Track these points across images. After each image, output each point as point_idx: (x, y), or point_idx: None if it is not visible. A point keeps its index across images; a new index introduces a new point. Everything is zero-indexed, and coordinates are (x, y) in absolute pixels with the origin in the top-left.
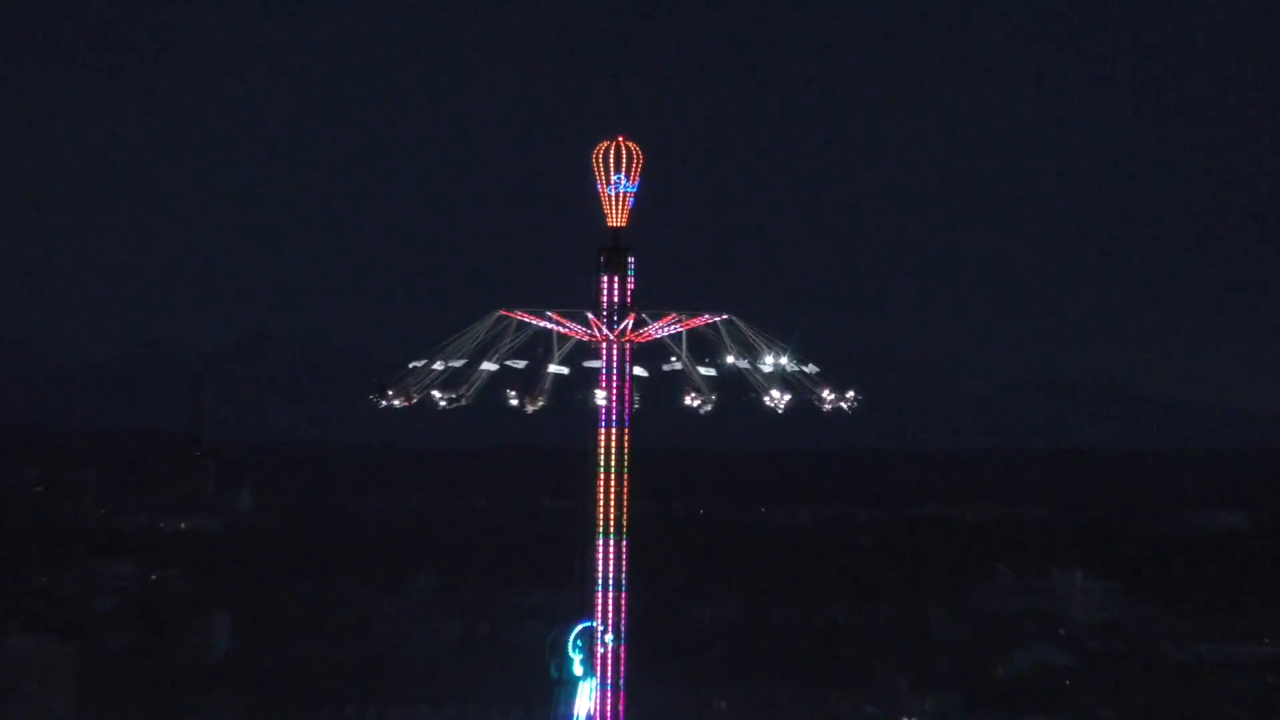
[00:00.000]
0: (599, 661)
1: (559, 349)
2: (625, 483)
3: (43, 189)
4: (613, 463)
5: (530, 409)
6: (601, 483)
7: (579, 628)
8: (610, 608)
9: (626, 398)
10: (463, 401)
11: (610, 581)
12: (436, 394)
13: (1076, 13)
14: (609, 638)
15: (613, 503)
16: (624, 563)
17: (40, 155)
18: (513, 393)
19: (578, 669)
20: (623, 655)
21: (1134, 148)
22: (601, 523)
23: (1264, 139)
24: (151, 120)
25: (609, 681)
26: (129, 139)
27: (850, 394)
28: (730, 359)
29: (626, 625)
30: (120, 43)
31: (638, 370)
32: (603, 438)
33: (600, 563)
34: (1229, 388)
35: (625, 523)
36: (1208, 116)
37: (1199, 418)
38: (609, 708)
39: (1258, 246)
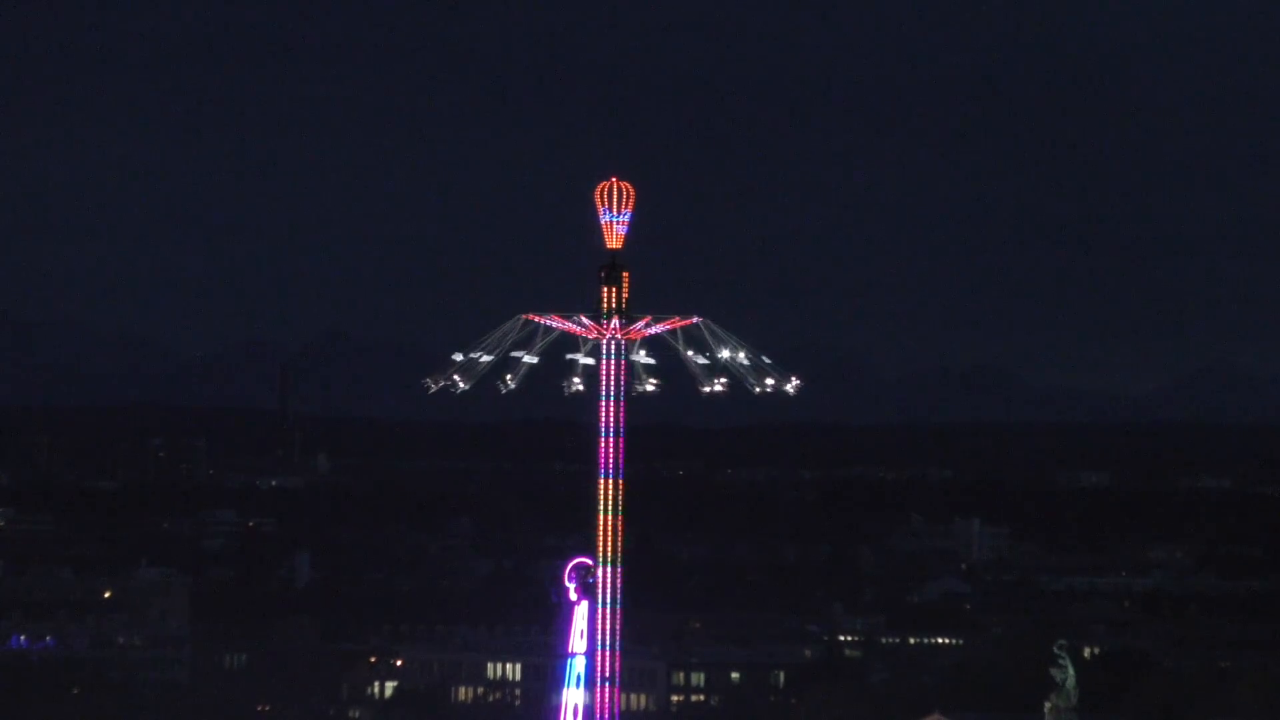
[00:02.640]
0: (599, 589)
1: (539, 342)
2: (621, 448)
3: (162, 215)
4: (612, 432)
5: (504, 390)
6: (602, 447)
7: (573, 563)
8: (609, 542)
9: (623, 380)
10: (511, 385)
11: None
12: (507, 377)
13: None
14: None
15: (611, 462)
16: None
17: (159, 188)
18: (507, 377)
19: (572, 596)
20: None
21: (1019, 190)
22: (601, 468)
23: (1126, 169)
24: (262, 166)
25: (607, 604)
26: (233, 172)
27: (794, 380)
28: (703, 353)
29: (622, 560)
30: (225, 107)
31: (648, 359)
32: (603, 413)
33: (601, 499)
34: (1090, 374)
35: (621, 469)
36: (1084, 142)
37: (1067, 398)
38: (606, 626)
39: (1113, 261)
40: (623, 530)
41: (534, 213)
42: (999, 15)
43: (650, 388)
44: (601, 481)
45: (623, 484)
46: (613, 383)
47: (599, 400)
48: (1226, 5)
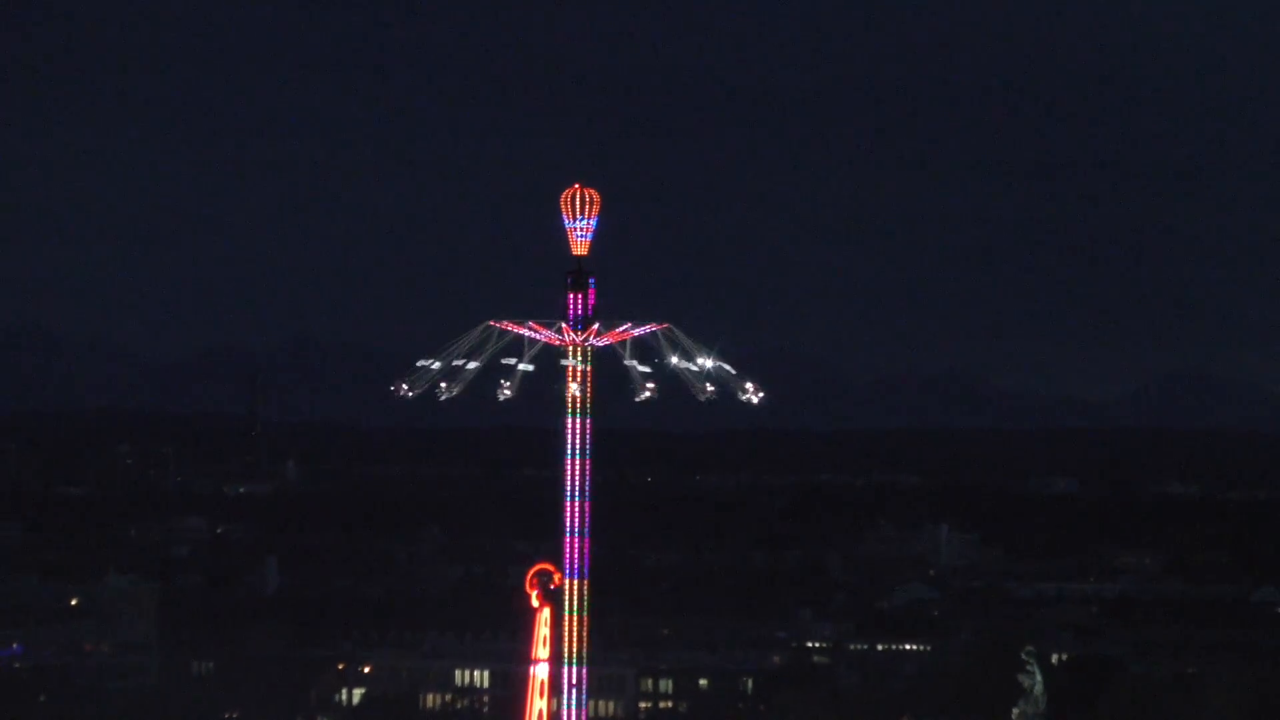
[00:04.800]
0: (566, 597)
1: (529, 351)
2: (588, 441)
3: (129, 220)
4: (577, 442)
5: (502, 398)
6: (569, 454)
7: (534, 569)
8: (576, 554)
9: (589, 389)
10: (455, 393)
11: (576, 531)
12: (442, 386)
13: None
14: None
15: (578, 470)
16: (588, 518)
17: (126, 193)
18: (504, 384)
19: (535, 602)
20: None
21: (987, 195)
22: (569, 486)
23: (1091, 177)
24: (234, 170)
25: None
26: (202, 179)
27: (750, 385)
28: (672, 359)
29: (590, 568)
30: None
31: (640, 366)
32: (570, 420)
33: (568, 518)
34: (1059, 380)
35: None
36: (1050, 156)
37: (1036, 404)
38: (574, 636)
39: (1082, 268)
40: (589, 551)
41: (503, 219)
42: (970, 21)
43: (647, 394)
44: (568, 504)
45: (589, 506)
46: (580, 392)
47: (564, 414)
48: (1206, 14)
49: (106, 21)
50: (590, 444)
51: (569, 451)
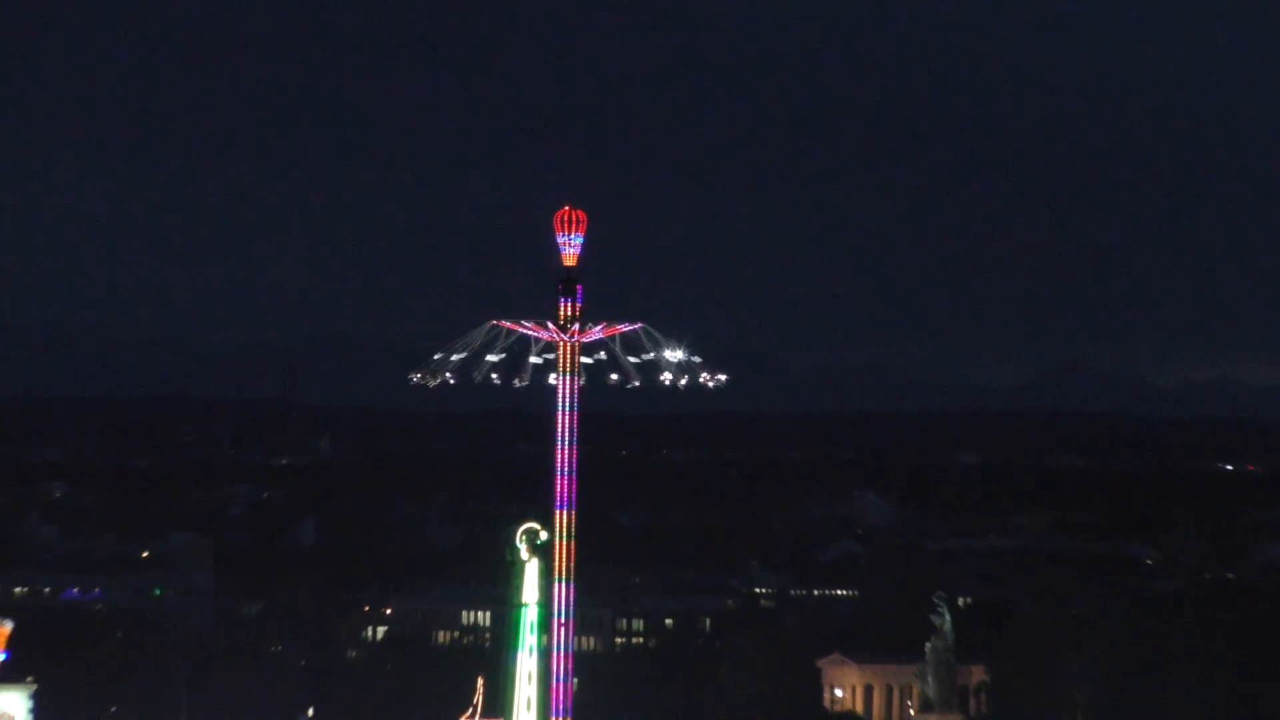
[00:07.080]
0: (555, 552)
1: (535, 347)
2: (575, 429)
3: (189, 230)
4: (566, 428)
5: (517, 385)
6: (559, 428)
7: (524, 527)
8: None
9: (576, 378)
10: (481, 376)
11: (565, 505)
12: (449, 377)
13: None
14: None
15: (566, 445)
16: (574, 488)
17: (177, 209)
18: (519, 376)
19: (524, 555)
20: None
21: (908, 210)
22: (560, 458)
23: (1019, 185)
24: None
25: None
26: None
27: (721, 376)
28: (646, 353)
29: (576, 525)
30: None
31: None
32: (560, 403)
33: (556, 488)
34: (966, 370)
35: (575, 456)
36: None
37: (947, 391)
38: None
39: (986, 275)
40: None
41: (507, 233)
42: (900, 47)
43: (635, 383)
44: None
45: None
46: (568, 381)
47: (558, 397)
48: (1129, 26)
49: (155, 26)
50: (576, 433)
51: (560, 440)
